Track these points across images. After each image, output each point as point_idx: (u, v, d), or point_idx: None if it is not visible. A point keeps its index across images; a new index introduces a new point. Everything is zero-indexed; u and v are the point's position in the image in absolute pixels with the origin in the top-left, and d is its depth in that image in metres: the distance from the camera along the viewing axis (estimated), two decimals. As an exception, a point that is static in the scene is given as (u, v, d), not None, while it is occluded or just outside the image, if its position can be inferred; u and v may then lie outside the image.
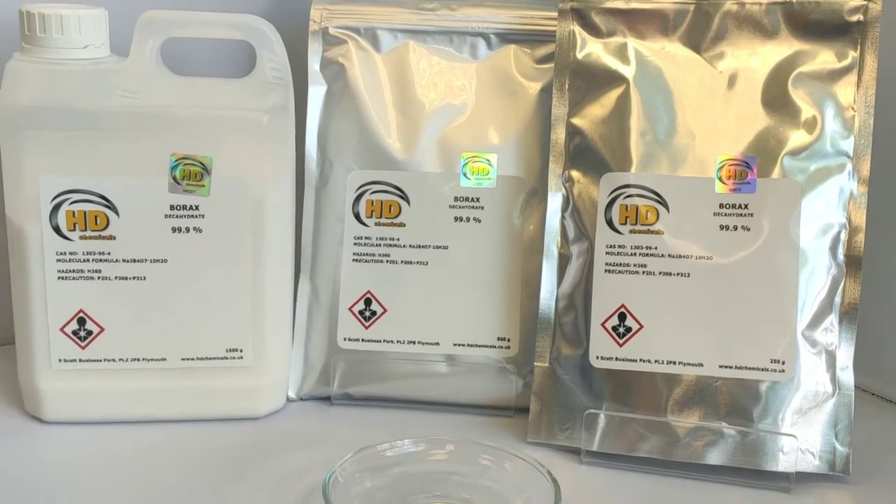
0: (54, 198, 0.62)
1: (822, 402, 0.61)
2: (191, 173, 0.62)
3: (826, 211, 0.62)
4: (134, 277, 0.64)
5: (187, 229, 0.63)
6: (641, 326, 0.63)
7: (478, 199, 0.68)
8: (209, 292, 0.64)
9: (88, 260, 0.63)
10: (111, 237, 0.63)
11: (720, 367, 0.61)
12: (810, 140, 0.63)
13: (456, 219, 0.68)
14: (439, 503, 0.56)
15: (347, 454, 0.56)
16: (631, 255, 0.63)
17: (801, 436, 0.60)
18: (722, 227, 0.62)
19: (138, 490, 0.58)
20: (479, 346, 0.67)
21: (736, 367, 0.61)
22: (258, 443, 0.64)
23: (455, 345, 0.68)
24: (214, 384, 0.66)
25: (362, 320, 0.69)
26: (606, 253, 0.63)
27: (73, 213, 0.62)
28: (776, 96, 0.63)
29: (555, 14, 0.67)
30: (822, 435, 0.61)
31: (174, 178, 0.62)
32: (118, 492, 0.58)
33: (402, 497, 0.56)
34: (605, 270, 0.63)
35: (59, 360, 0.64)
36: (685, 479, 0.60)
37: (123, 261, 0.63)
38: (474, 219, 0.68)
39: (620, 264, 0.63)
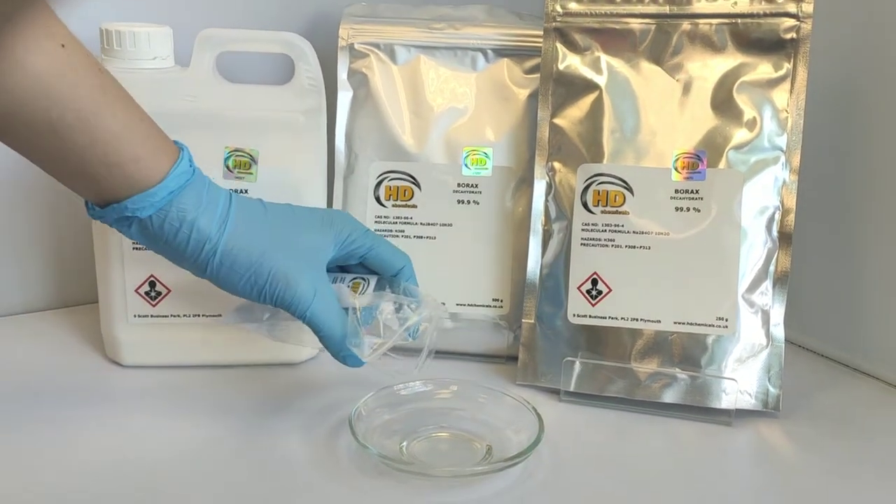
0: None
1: (758, 352, 0.61)
2: (241, 163, 0.61)
3: (763, 195, 0.62)
4: None
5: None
6: (610, 290, 0.62)
7: (476, 186, 0.68)
8: None
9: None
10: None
11: (675, 323, 0.61)
12: (751, 137, 0.62)
13: (459, 201, 0.68)
14: (444, 433, 0.56)
15: (369, 393, 0.56)
16: (602, 231, 0.62)
17: (741, 379, 0.60)
18: (677, 209, 0.61)
19: (197, 422, 0.57)
20: (478, 305, 0.67)
21: (688, 323, 0.61)
22: (298, 384, 0.64)
23: (458, 304, 0.68)
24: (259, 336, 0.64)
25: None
26: (582, 230, 0.63)
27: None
28: (723, 101, 0.63)
29: (540, 32, 0.67)
30: (758, 379, 0.61)
31: (227, 167, 0.61)
32: (181, 421, 0.57)
33: (413, 428, 0.56)
34: (581, 244, 0.63)
35: (134, 316, 0.64)
36: (645, 414, 0.60)
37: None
38: (474, 201, 0.68)
39: (593, 239, 0.63)
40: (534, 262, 0.66)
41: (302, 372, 0.66)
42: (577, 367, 0.62)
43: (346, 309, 0.53)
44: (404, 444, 0.54)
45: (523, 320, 0.66)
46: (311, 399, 0.60)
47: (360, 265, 0.55)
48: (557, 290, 0.64)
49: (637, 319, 0.62)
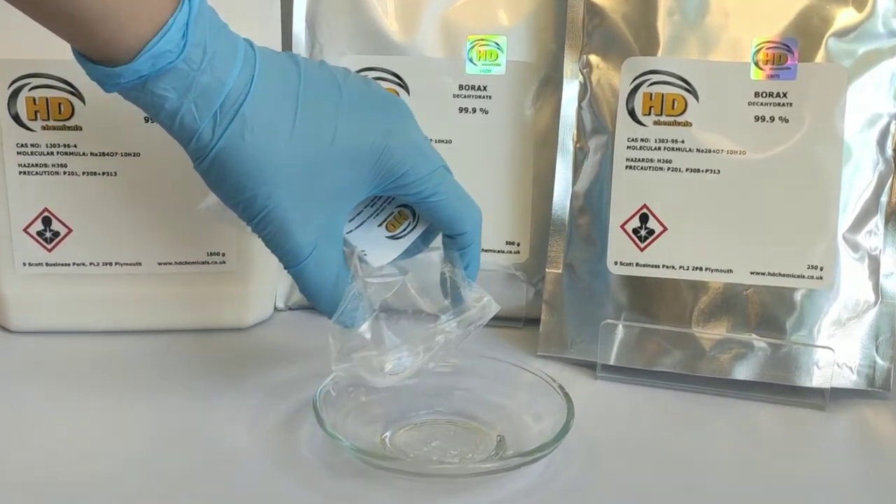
0: (12, 83, 0.60)
1: (862, 311, 0.61)
2: None
3: (874, 100, 0.61)
4: (104, 173, 0.62)
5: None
6: (665, 229, 0.62)
7: (485, 88, 0.67)
8: (185, 191, 0.63)
9: (52, 153, 0.62)
10: (77, 128, 0.61)
11: (751, 273, 0.61)
12: (859, 19, 0.61)
13: (461, 109, 0.68)
14: (441, 421, 0.56)
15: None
16: (655, 149, 0.62)
17: (839, 349, 0.60)
18: (757, 119, 0.61)
19: (109, 406, 0.57)
20: (486, 250, 0.66)
21: (769, 273, 0.61)
22: (243, 355, 0.64)
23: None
24: (195, 292, 0.66)
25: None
26: (627, 147, 0.63)
27: (34, 100, 0.60)
28: (822, -31, 0.62)
29: None
30: (862, 348, 0.60)
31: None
32: (87, 404, 0.57)
33: (401, 412, 0.56)
34: (626, 167, 0.63)
35: (24, 264, 0.63)
36: (710, 395, 0.60)
37: (91, 154, 0.62)
38: (481, 109, 0.68)
39: (643, 160, 0.62)
40: (562, 192, 0.66)
41: (251, 339, 0.66)
42: (620, 332, 0.62)
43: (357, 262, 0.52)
44: (387, 434, 0.54)
45: (547, 270, 0.66)
46: (262, 375, 0.61)
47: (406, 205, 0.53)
48: (594, 229, 0.64)
49: (701, 269, 0.62)
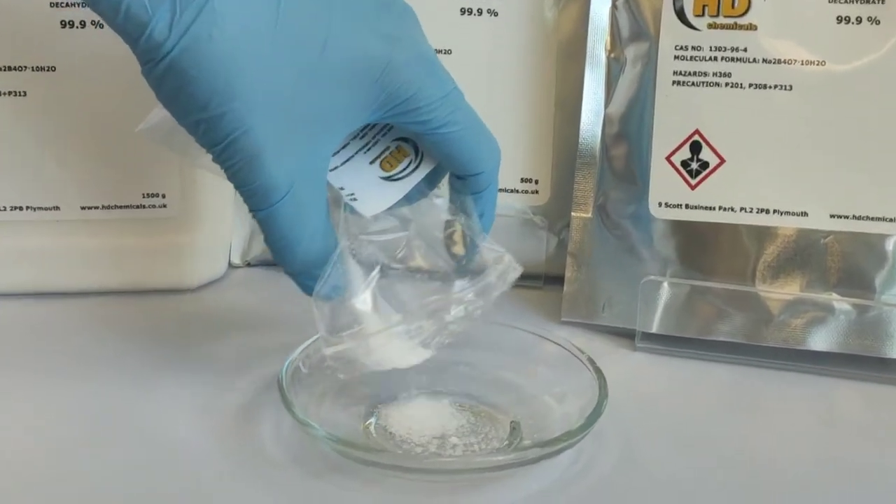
0: None
1: (973, 265, 0.61)
2: None
3: None
4: (9, 93, 0.62)
5: (82, 23, 0.61)
6: (722, 161, 0.62)
7: (494, -18, 0.67)
8: (114, 115, 0.63)
9: None
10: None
11: (831, 216, 0.61)
12: None
13: (463, 11, 0.67)
14: (442, 403, 0.56)
15: (312, 337, 0.55)
16: (710, 59, 0.62)
17: (942, 311, 0.60)
18: (840, 20, 0.60)
19: (26, 384, 0.57)
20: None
21: (854, 216, 0.61)
22: (190, 323, 0.64)
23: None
24: (128, 243, 0.65)
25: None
26: (676, 57, 0.62)
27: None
28: None
29: None
30: (971, 311, 0.60)
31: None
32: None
33: (390, 392, 0.56)
34: (674, 82, 0.63)
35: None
36: (778, 370, 0.60)
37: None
38: (488, 11, 0.67)
39: (695, 73, 0.62)
40: (591, 116, 0.65)
41: (200, 302, 0.67)
42: (665, 292, 0.62)
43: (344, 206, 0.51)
44: (372, 420, 0.54)
45: (573, 214, 0.65)
46: (215, 347, 0.61)
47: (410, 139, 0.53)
48: (632, 162, 0.64)
49: (767, 211, 0.62)
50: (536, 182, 0.68)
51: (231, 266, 0.71)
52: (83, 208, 0.64)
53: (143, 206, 0.65)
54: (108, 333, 0.62)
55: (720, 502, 0.50)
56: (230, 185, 0.67)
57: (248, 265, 0.72)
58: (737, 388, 0.59)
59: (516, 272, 0.52)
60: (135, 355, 0.60)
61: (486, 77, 0.67)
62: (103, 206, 0.64)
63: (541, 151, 0.68)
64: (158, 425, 0.54)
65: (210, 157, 0.48)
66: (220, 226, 0.68)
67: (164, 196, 0.65)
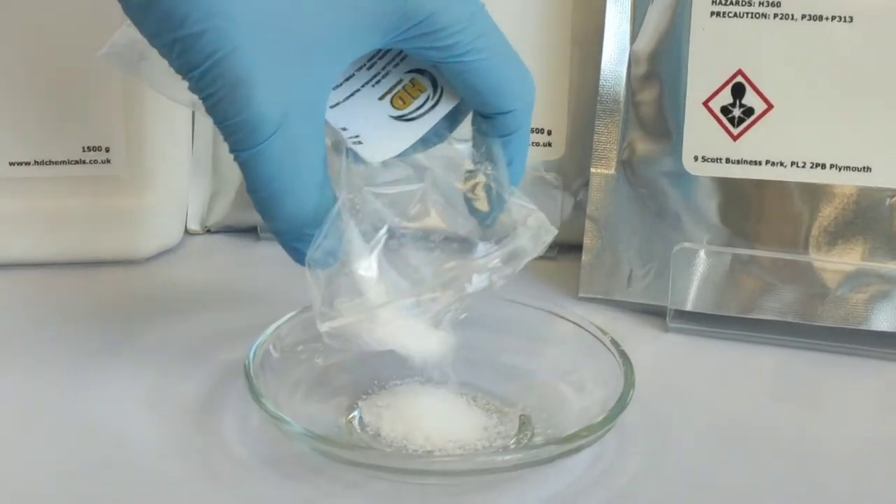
0: None
1: None
2: None
3: None
4: None
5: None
6: (769, 106, 0.62)
7: None
8: (45, 44, 0.62)
9: None
10: None
11: None
12: None
13: None
14: (438, 393, 0.55)
15: (285, 315, 0.56)
16: None
17: None
18: None
19: None
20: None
21: None
22: (141, 300, 0.64)
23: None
24: (66, 206, 0.66)
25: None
26: None
27: None
28: None
29: None
30: None
31: None
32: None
33: (377, 382, 0.56)
34: (712, 13, 0.63)
35: None
36: (836, 353, 0.61)
37: None
38: None
39: (738, 2, 0.62)
40: (615, 54, 0.65)
41: (152, 276, 0.67)
42: (702, 262, 0.62)
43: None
44: (356, 414, 0.54)
45: (592, 171, 0.66)
46: (169, 328, 0.61)
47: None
48: (663, 108, 0.64)
49: (823, 166, 0.62)
50: (549, 133, 0.69)
51: (188, 233, 0.71)
52: (11, 164, 0.64)
53: (83, 162, 0.64)
54: (43, 312, 0.63)
55: (767, 508, 0.50)
56: (186, 138, 0.67)
57: (208, 232, 0.72)
58: (786, 374, 0.60)
59: (550, 234, 0.51)
60: (75, 337, 0.60)
61: (491, 8, 0.65)
62: (35, 162, 0.64)
63: (555, 97, 0.68)
64: (103, 420, 0.54)
65: (186, 86, 0.47)
66: (174, 185, 0.68)
67: (107, 150, 0.65)
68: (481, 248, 0.50)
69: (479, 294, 0.50)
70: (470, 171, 0.52)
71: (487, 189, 0.52)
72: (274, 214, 0.49)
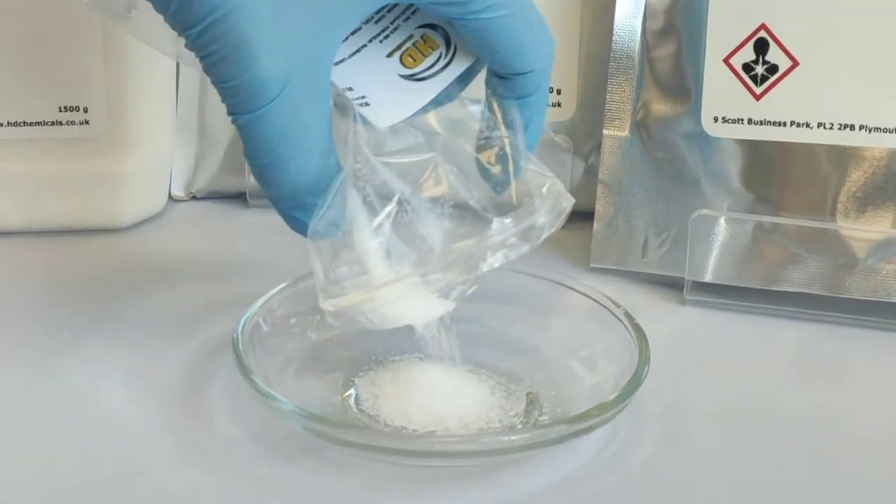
0: None
1: None
2: None
3: None
4: None
5: None
6: (795, 63, 0.62)
7: None
8: (16, 3, 0.62)
9: None
10: None
11: None
12: None
13: None
14: (440, 369, 0.55)
15: (276, 287, 0.56)
16: None
17: None
18: None
19: None
20: (507, 101, 0.65)
21: None
22: (122, 270, 0.64)
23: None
24: (42, 170, 0.66)
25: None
26: None
27: None
28: None
29: None
30: None
31: None
32: None
33: (376, 355, 0.56)
34: None
35: None
36: (865, 328, 0.61)
37: None
38: None
39: None
40: (628, 6, 0.65)
41: (134, 245, 0.67)
42: (722, 230, 0.63)
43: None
44: (352, 392, 0.54)
45: (605, 133, 0.66)
46: (152, 300, 0.61)
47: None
48: (681, 65, 0.64)
49: (851, 127, 0.62)
50: (559, 92, 0.69)
51: (172, 199, 0.71)
52: (-16, 125, 0.63)
53: (60, 123, 0.65)
54: (20, 282, 0.63)
55: (792, 494, 0.50)
56: (170, 96, 0.67)
57: (194, 198, 0.72)
58: (811, 350, 0.60)
59: (568, 203, 0.51)
60: (52, 311, 0.60)
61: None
62: (9, 123, 0.64)
63: (565, 53, 0.68)
64: (85, 396, 0.54)
65: (182, 43, 0.47)
66: (157, 148, 0.68)
67: (86, 110, 0.65)
68: (496, 223, 0.50)
69: (492, 270, 0.50)
70: (485, 138, 0.52)
71: (502, 155, 0.52)
72: (274, 182, 0.49)
